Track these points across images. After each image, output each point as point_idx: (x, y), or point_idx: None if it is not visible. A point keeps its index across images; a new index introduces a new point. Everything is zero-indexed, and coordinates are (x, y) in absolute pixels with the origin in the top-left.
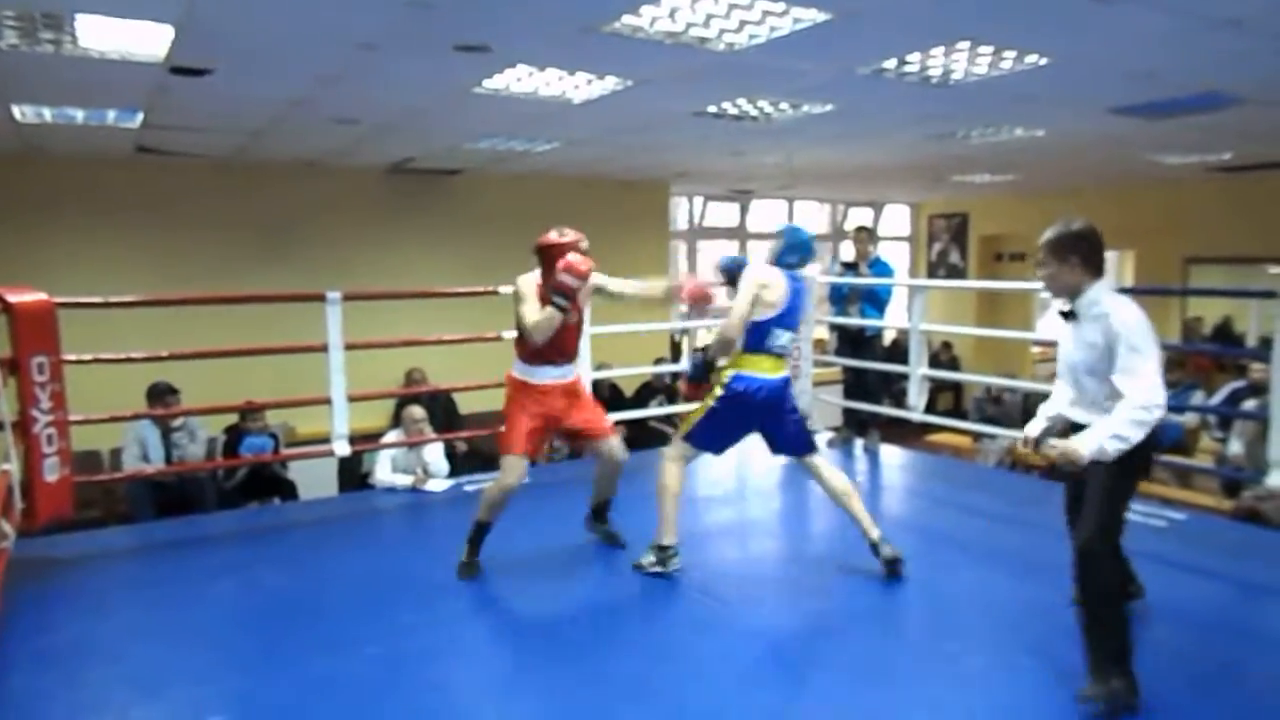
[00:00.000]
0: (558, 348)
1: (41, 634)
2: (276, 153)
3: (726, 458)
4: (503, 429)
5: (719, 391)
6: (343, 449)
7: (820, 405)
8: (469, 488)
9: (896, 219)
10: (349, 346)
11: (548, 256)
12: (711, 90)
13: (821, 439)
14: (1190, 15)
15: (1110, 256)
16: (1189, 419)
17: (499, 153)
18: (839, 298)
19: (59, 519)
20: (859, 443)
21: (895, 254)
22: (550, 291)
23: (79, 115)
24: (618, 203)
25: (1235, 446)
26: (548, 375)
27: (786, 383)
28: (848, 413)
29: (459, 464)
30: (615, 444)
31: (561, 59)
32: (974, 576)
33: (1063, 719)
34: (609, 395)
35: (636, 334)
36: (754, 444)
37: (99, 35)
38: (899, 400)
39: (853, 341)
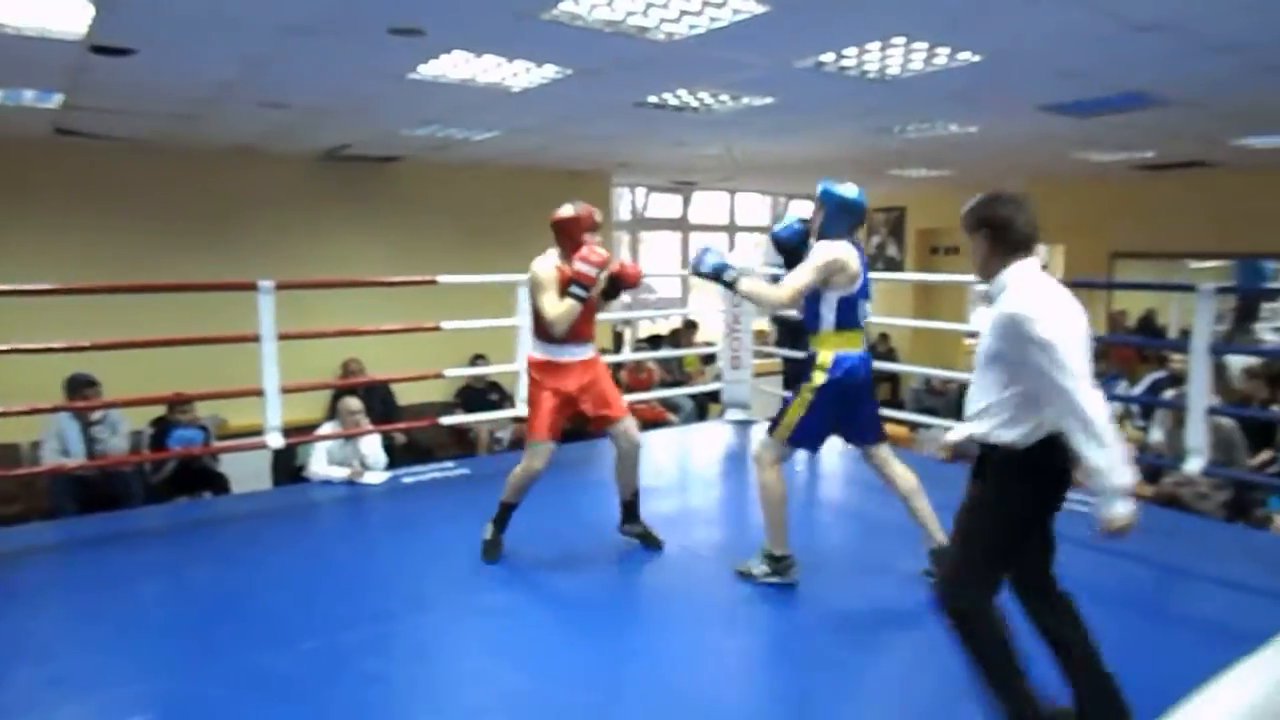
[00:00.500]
0: (576, 331)
1: None
2: (205, 137)
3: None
4: (527, 414)
5: (819, 380)
6: (276, 441)
7: (761, 395)
8: (407, 480)
9: None
10: (282, 337)
11: (563, 232)
12: (652, 80)
13: (761, 429)
14: (1114, 17)
15: (1040, 250)
16: (1113, 408)
17: (437, 140)
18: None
19: None
20: None
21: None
22: (570, 281)
23: None
24: (559, 193)
25: (1156, 434)
26: (570, 354)
27: (869, 355)
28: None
29: (397, 456)
30: (631, 426)
31: (499, 45)
32: (910, 562)
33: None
34: None
35: None
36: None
37: (14, 10)
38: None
39: (793, 332)
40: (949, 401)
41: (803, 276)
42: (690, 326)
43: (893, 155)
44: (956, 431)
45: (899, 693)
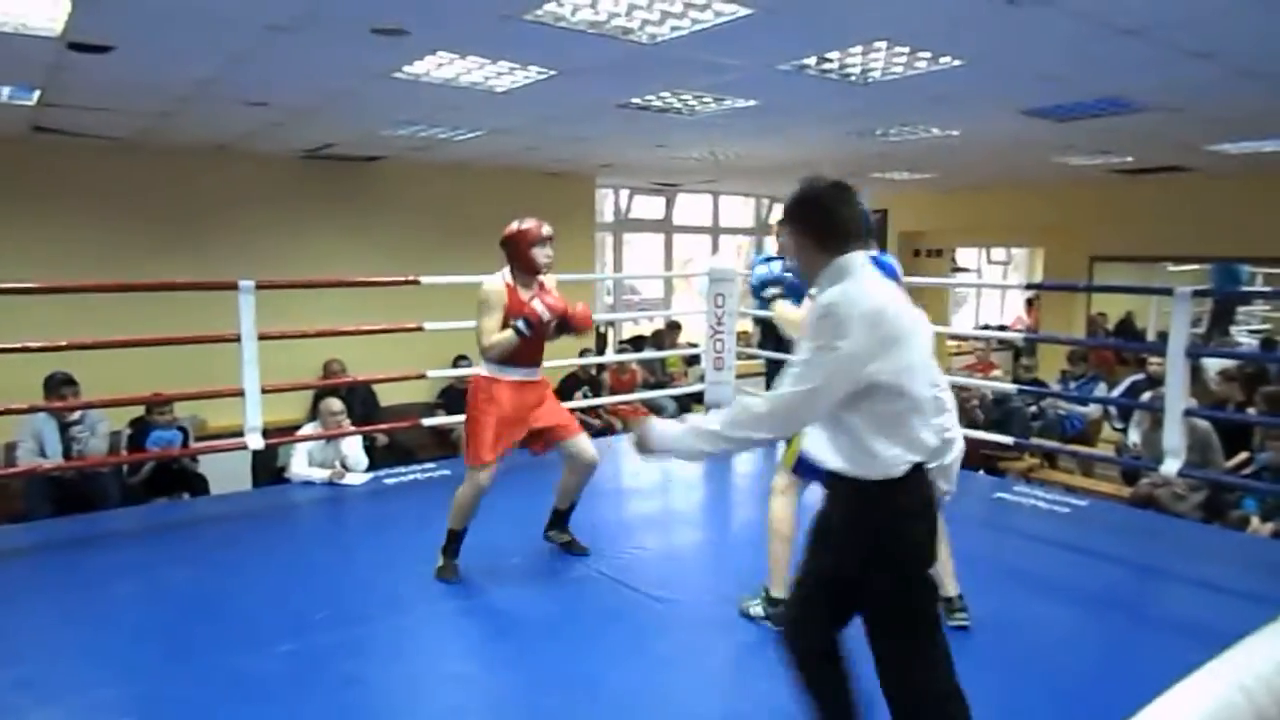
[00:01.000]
0: (526, 355)
1: None
2: (185, 135)
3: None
4: (468, 435)
5: None
6: (256, 442)
7: (743, 396)
8: (388, 481)
9: None
10: (263, 337)
11: (513, 247)
12: (635, 82)
13: None
14: (1095, 22)
15: (1021, 254)
16: (1092, 410)
17: (420, 140)
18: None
19: None
20: None
21: None
22: (516, 315)
23: None
24: (542, 194)
25: (1134, 436)
26: (517, 374)
27: None
28: None
29: (378, 457)
30: (586, 442)
31: (482, 46)
32: None
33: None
34: None
35: None
36: None
37: None
38: None
39: (777, 335)
40: None
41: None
42: (673, 328)
43: (875, 158)
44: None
45: None
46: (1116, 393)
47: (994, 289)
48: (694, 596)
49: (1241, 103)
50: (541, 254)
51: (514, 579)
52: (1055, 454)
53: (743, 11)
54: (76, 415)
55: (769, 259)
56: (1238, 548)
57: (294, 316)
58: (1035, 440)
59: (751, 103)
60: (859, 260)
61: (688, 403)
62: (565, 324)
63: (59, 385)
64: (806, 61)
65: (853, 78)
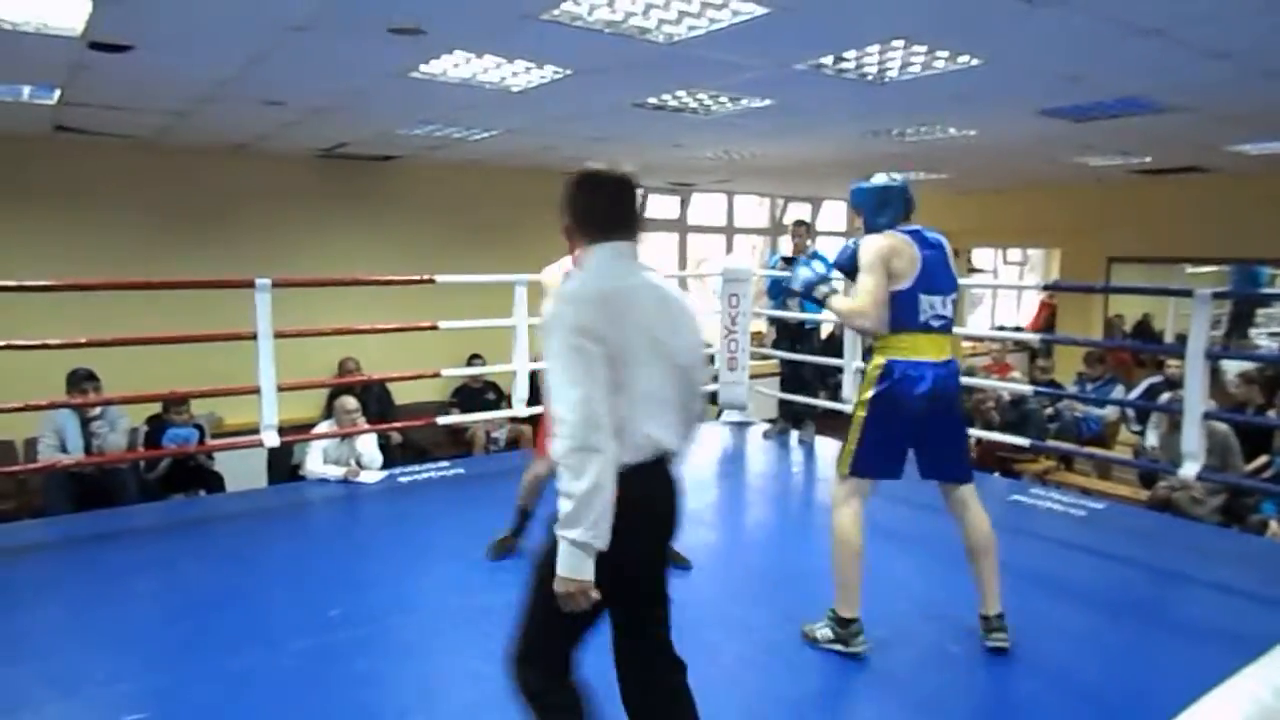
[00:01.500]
0: None
1: None
2: (203, 135)
3: None
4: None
5: (868, 393)
6: (272, 440)
7: (757, 397)
8: (403, 479)
9: (834, 214)
10: (279, 335)
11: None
12: (651, 81)
13: (757, 430)
14: (1114, 22)
15: (1037, 254)
16: (1109, 412)
17: (436, 139)
18: (778, 291)
19: None
20: (795, 434)
21: (833, 248)
22: None
23: None
24: (557, 193)
25: (1151, 439)
26: None
27: (957, 370)
28: (783, 404)
29: (393, 455)
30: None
31: (499, 45)
32: (903, 565)
33: (989, 704)
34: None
35: None
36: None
37: (11, 5)
38: (834, 393)
39: (791, 335)
40: None
41: (863, 282)
42: None
43: (891, 158)
44: None
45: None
46: (1134, 395)
47: (1010, 289)
48: (706, 596)
49: (1261, 103)
50: None
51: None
52: (1072, 456)
53: (760, 11)
54: (97, 411)
55: (811, 259)
56: (1257, 552)
57: (310, 315)
58: (1051, 442)
59: (767, 102)
60: (606, 251)
61: None
62: None
63: (81, 381)
64: (823, 61)
65: (869, 77)
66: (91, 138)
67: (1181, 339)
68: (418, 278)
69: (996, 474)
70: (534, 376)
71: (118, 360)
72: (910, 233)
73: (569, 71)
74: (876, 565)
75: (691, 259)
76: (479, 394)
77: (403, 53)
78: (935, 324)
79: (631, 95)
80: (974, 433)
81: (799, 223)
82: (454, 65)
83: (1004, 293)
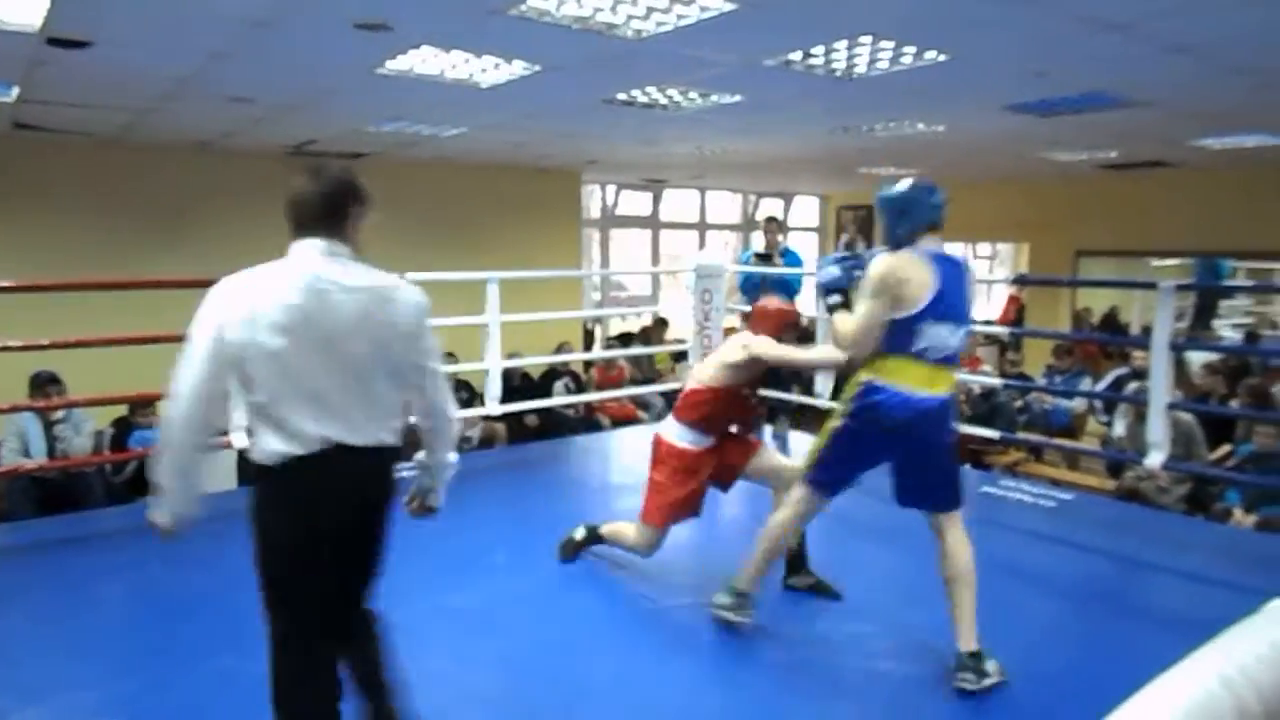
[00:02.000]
0: (718, 421)
1: None
2: (167, 132)
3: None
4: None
5: (844, 408)
6: (240, 441)
7: None
8: None
9: (806, 210)
10: None
11: (775, 326)
12: (621, 77)
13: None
14: (1076, 18)
15: (1006, 249)
16: (1077, 404)
17: (406, 137)
18: (751, 287)
19: None
20: (768, 429)
21: (805, 244)
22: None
23: None
24: (529, 190)
25: (1119, 429)
26: (707, 441)
27: (944, 406)
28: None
29: None
30: (770, 453)
31: (467, 41)
32: (879, 557)
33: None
34: (521, 383)
35: (541, 323)
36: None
37: None
38: (807, 387)
39: None
40: None
41: (861, 307)
42: (660, 324)
43: (861, 153)
44: None
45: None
46: (1101, 386)
47: (980, 284)
48: (681, 594)
49: (1223, 98)
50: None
51: (497, 576)
52: (1041, 448)
53: (728, 6)
54: (60, 414)
55: (841, 259)
56: (1221, 539)
57: None
58: (1021, 434)
59: (737, 98)
60: (299, 248)
61: (675, 399)
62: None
63: (44, 383)
64: (791, 56)
65: (838, 73)
66: (52, 135)
67: (1147, 331)
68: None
69: (967, 466)
70: (507, 375)
71: (82, 362)
72: (931, 254)
73: (538, 68)
74: (856, 558)
75: (664, 255)
76: (451, 392)
77: (369, 48)
78: (933, 355)
79: (601, 91)
80: None
81: (770, 219)
82: (421, 61)
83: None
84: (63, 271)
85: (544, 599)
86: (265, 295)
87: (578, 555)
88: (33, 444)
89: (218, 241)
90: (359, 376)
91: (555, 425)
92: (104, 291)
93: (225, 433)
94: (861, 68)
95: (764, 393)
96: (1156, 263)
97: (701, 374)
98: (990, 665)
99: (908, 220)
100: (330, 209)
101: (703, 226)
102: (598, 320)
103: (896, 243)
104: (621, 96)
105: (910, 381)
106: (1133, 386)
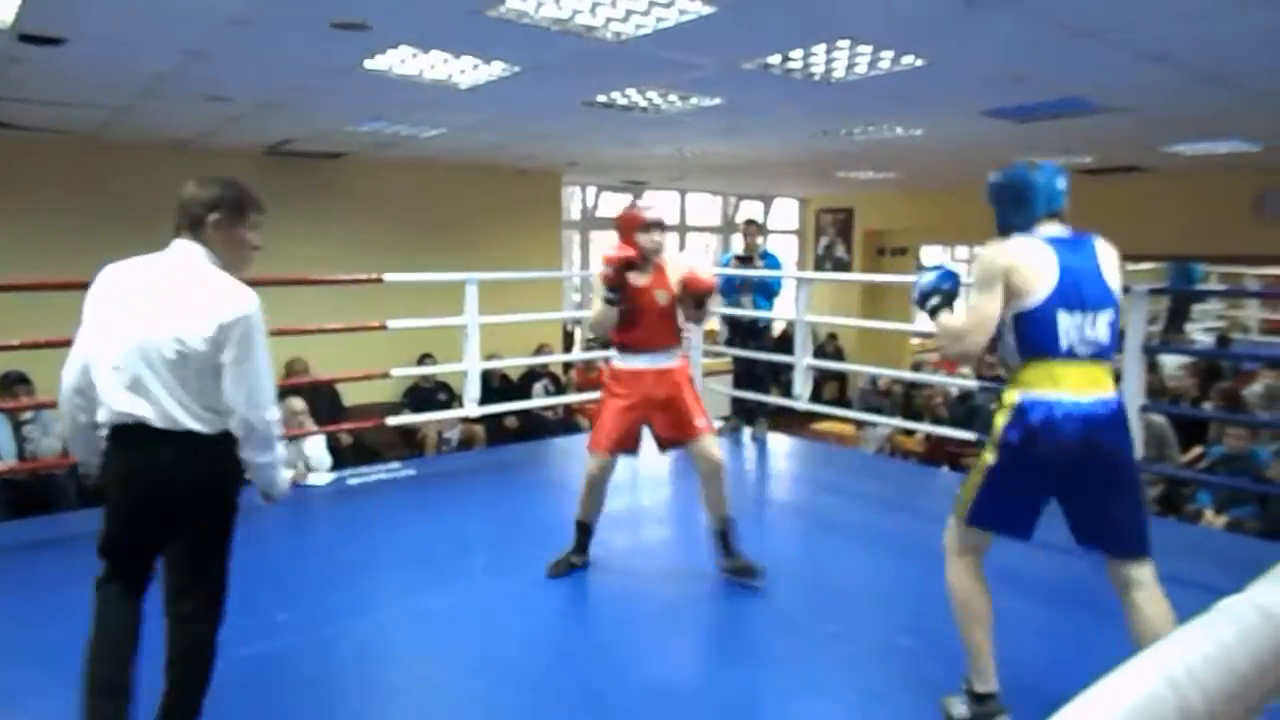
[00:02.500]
0: (644, 335)
1: None
2: (144, 131)
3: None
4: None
5: (999, 436)
6: None
7: (711, 395)
8: (352, 481)
9: (785, 213)
10: None
11: (619, 234)
12: (600, 79)
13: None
14: (1051, 24)
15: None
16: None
17: (384, 137)
18: (731, 289)
19: None
20: (747, 431)
21: (784, 247)
22: (603, 281)
23: None
24: (509, 192)
25: None
26: (639, 361)
27: (1120, 410)
28: (736, 402)
29: (343, 457)
30: (707, 443)
31: (446, 41)
32: (855, 559)
33: (938, 695)
34: (500, 385)
35: (520, 324)
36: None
37: None
38: (786, 390)
39: (745, 332)
40: (894, 401)
41: (973, 299)
42: None
43: (840, 157)
44: None
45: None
46: None
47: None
48: (662, 596)
49: (1196, 105)
50: (646, 239)
51: (479, 579)
52: None
53: (706, 10)
54: (29, 415)
55: (936, 266)
56: (1192, 540)
57: None
58: None
59: (717, 101)
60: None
61: None
62: (688, 291)
63: (12, 384)
64: (770, 60)
65: (816, 77)
66: (26, 133)
67: (1121, 334)
68: (366, 277)
69: (945, 468)
70: (486, 376)
71: (56, 362)
72: (1052, 239)
73: (517, 69)
74: (825, 558)
75: None
76: (431, 394)
77: (347, 48)
78: (1082, 350)
79: (581, 93)
80: (923, 427)
81: (749, 222)
82: (400, 61)
83: None
84: (37, 270)
85: (524, 600)
86: (112, 280)
87: (565, 566)
88: (2, 445)
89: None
90: (170, 366)
91: (534, 427)
92: (77, 291)
93: None
94: (840, 72)
95: (741, 395)
96: (1130, 266)
97: None
98: None
99: (1026, 208)
100: (184, 215)
101: (683, 229)
102: (577, 322)
103: (1007, 230)
104: (601, 98)
105: (1068, 386)
106: None
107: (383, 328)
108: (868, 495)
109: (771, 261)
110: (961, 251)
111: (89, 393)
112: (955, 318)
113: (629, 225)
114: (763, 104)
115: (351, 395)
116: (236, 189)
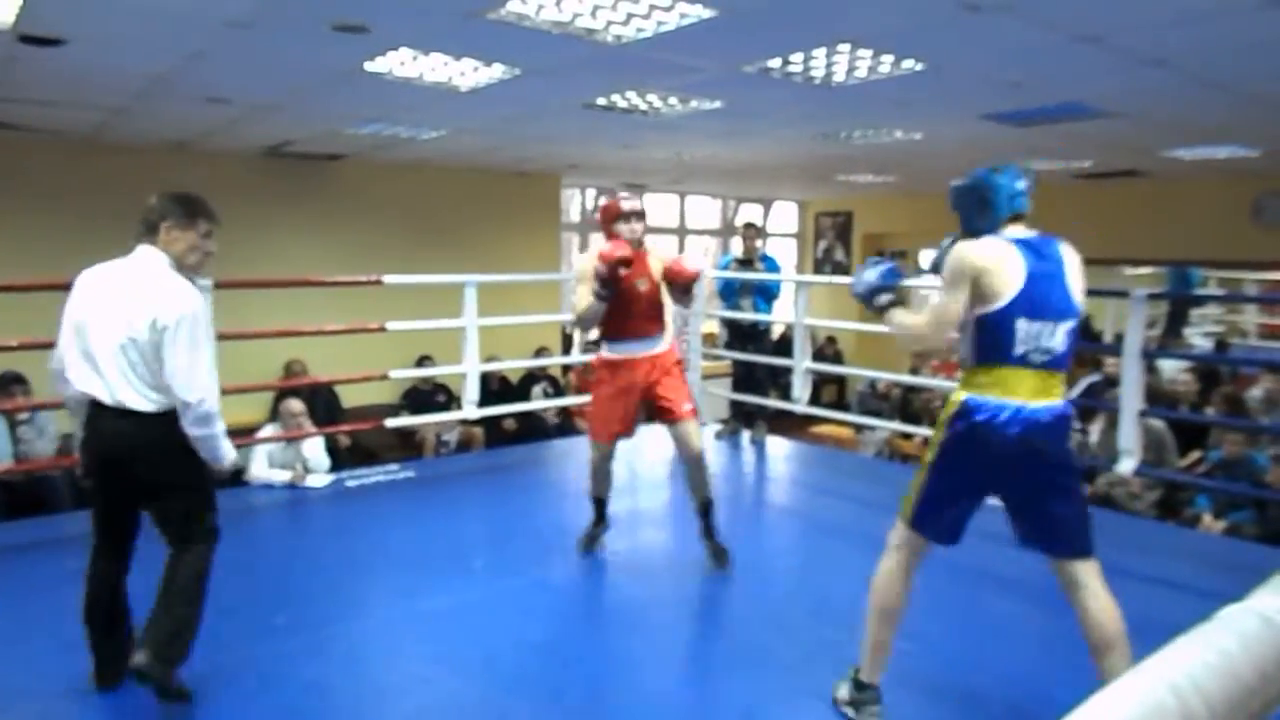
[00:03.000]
0: (633, 326)
1: None
2: (143, 132)
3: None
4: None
5: (940, 435)
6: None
7: (709, 398)
8: (350, 483)
9: (785, 216)
10: (222, 336)
11: (601, 224)
12: (600, 82)
13: (710, 431)
14: (1052, 29)
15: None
16: None
17: (383, 139)
18: (730, 292)
19: None
20: (746, 434)
21: (783, 250)
22: (595, 278)
23: None
24: (508, 194)
25: (1093, 436)
26: (630, 350)
27: (1064, 418)
28: (734, 405)
29: (341, 458)
30: (689, 429)
31: (446, 44)
32: (853, 562)
33: (939, 698)
34: (499, 387)
35: (520, 326)
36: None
37: None
38: (785, 393)
39: (744, 335)
40: (893, 404)
41: (939, 297)
42: None
43: (839, 160)
44: None
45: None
46: (1073, 394)
47: None
48: (661, 599)
49: (1195, 110)
50: (626, 228)
51: (477, 582)
52: None
53: (707, 14)
54: (25, 416)
55: (877, 262)
56: (1190, 545)
57: (254, 316)
58: None
59: (716, 104)
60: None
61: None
62: (673, 280)
63: (8, 384)
64: (771, 64)
65: (816, 80)
66: (25, 133)
67: (1120, 339)
68: (365, 279)
69: None
70: (485, 378)
71: None
72: (1020, 241)
73: (517, 71)
74: (824, 562)
75: None
76: (429, 396)
77: (347, 50)
78: (1036, 358)
79: (581, 96)
80: (922, 431)
81: (749, 225)
82: (400, 63)
83: None
84: (35, 271)
85: (523, 602)
86: (86, 281)
87: (596, 544)
88: None
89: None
90: (119, 352)
91: (533, 429)
92: None
93: None
94: (840, 75)
95: (740, 398)
96: (1129, 271)
97: None
98: None
99: (990, 211)
100: (148, 223)
101: (682, 231)
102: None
103: (975, 231)
104: (601, 101)
105: (1019, 393)
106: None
107: (382, 329)
108: (866, 498)
109: (770, 265)
110: None
111: (66, 374)
112: (914, 315)
113: (609, 215)
114: (763, 107)
115: (350, 397)
116: (188, 200)
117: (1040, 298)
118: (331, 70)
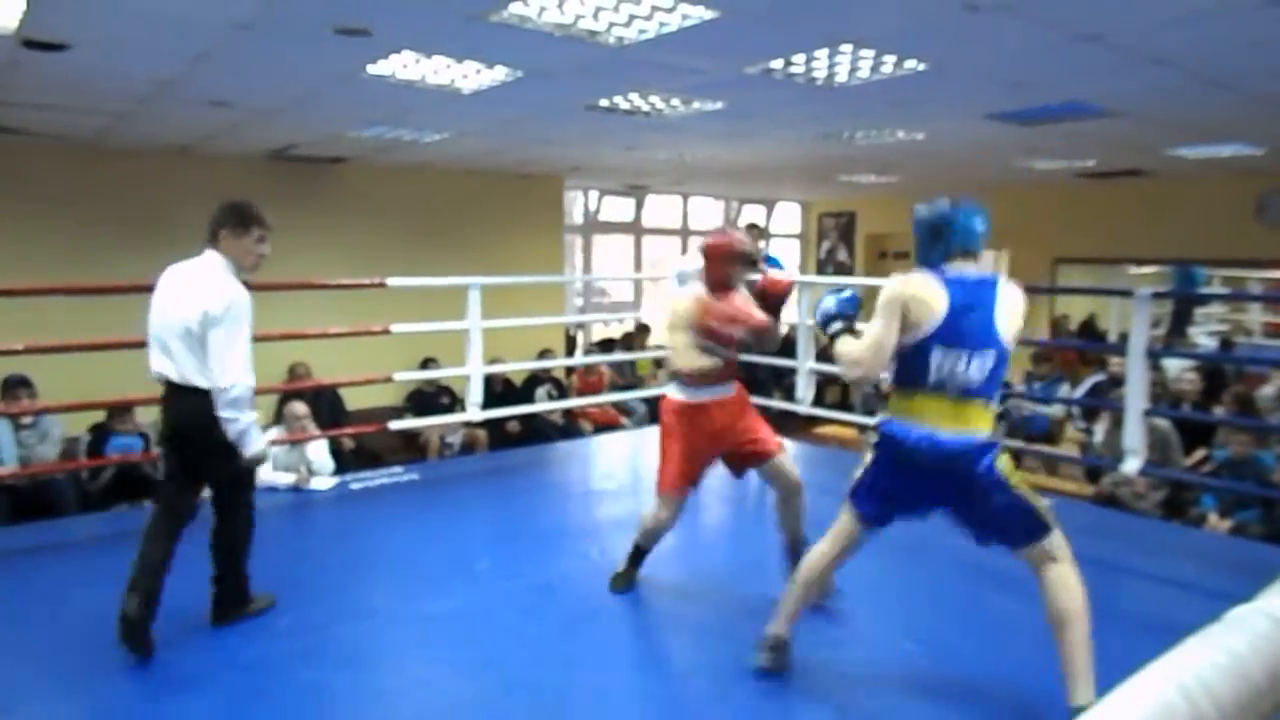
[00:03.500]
0: (721, 370)
1: None
2: (146, 136)
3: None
4: (659, 462)
5: (874, 435)
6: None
7: None
8: (355, 486)
9: (788, 216)
10: None
11: (710, 263)
12: (603, 84)
13: None
14: (1054, 28)
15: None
16: (1056, 410)
17: (386, 142)
18: None
19: None
20: None
21: (786, 251)
22: (704, 334)
23: None
24: (510, 196)
25: (1098, 435)
26: (704, 395)
27: (978, 450)
28: None
29: (345, 461)
30: (784, 462)
31: (448, 47)
32: (857, 563)
33: (946, 698)
34: (503, 389)
35: (523, 328)
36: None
37: None
38: (788, 394)
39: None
40: None
41: (870, 326)
42: (643, 330)
43: (842, 161)
44: None
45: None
46: (1078, 393)
47: None
48: (663, 602)
49: (1198, 109)
50: (742, 278)
51: (480, 584)
52: (1019, 453)
53: (709, 15)
54: (29, 420)
55: (839, 290)
56: (1196, 544)
57: (258, 319)
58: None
59: (719, 105)
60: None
61: (657, 405)
62: (768, 300)
63: (13, 387)
64: (773, 64)
65: (819, 81)
66: (28, 138)
67: (1125, 338)
68: (369, 281)
69: None
70: (488, 381)
71: (59, 368)
72: (952, 279)
73: (520, 73)
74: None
75: (647, 261)
76: (433, 398)
77: (350, 53)
78: (951, 386)
79: (583, 97)
80: None
81: (751, 226)
82: (403, 66)
83: None
84: (40, 276)
85: (527, 606)
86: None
87: (632, 581)
88: (4, 450)
89: (197, 246)
90: (167, 335)
91: (537, 431)
92: (81, 296)
93: None
94: (842, 76)
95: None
96: (1133, 270)
97: None
98: None
99: (941, 244)
100: (210, 231)
101: (685, 232)
102: (580, 326)
103: (928, 266)
104: (604, 103)
105: (932, 420)
106: (1111, 394)
107: (386, 332)
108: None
109: (774, 265)
110: None
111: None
112: (854, 344)
113: (729, 259)
114: (765, 108)
115: (354, 399)
116: (241, 208)
117: (961, 329)
118: (334, 73)
